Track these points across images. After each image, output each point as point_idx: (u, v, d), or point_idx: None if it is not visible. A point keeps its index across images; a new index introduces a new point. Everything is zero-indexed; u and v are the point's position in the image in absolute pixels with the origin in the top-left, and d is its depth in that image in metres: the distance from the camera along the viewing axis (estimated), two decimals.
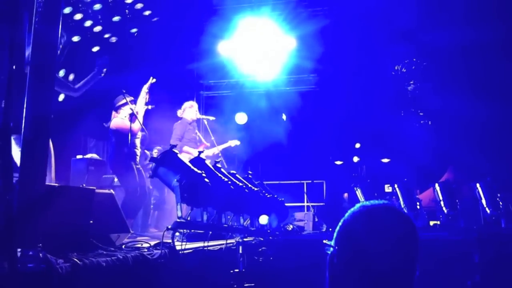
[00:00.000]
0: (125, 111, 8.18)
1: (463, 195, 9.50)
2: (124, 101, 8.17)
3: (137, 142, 8.32)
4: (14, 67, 3.04)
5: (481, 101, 11.82)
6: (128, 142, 7.93)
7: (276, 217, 7.39)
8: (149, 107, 8.48)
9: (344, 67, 13.61)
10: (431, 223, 9.95)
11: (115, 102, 8.35)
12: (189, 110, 9.21)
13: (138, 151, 8.32)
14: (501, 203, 8.57)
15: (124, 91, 8.20)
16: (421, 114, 14.47)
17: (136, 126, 8.20)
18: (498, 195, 8.66)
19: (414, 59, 14.39)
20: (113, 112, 8.34)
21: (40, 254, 3.16)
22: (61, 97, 9.19)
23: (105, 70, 7.00)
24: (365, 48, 13.22)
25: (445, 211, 9.08)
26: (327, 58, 13.11)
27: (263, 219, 6.02)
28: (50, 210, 3.53)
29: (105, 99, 9.56)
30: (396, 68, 14.64)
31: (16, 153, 3.23)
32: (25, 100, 3.23)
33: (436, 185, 9.41)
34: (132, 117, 8.09)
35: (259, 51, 13.25)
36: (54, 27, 3.61)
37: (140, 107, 8.25)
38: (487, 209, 8.64)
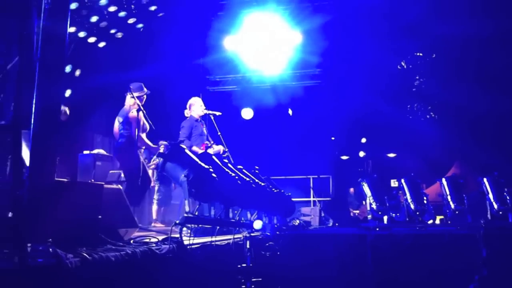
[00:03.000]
0: (134, 105, 8.17)
1: (470, 190, 9.47)
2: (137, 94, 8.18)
3: (143, 136, 8.34)
4: (23, 63, 3.05)
5: (488, 95, 11.78)
6: (135, 133, 7.93)
7: (269, 222, 7.42)
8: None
9: (350, 61, 13.56)
10: (438, 218, 9.93)
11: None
12: (195, 107, 9.19)
13: (142, 150, 8.37)
14: (508, 198, 8.54)
15: (131, 87, 8.20)
16: (428, 108, 14.43)
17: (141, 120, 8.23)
18: (505, 189, 8.63)
19: (421, 54, 14.33)
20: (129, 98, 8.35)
21: (50, 249, 3.17)
22: (68, 93, 9.24)
23: None
24: (371, 42, 13.15)
25: (452, 206, 9.06)
26: (332, 53, 13.09)
27: (257, 224, 5.99)
28: (60, 205, 3.55)
29: (111, 95, 9.59)
30: (402, 63, 14.59)
31: (25, 148, 3.25)
32: (34, 95, 3.24)
33: (443, 179, 9.38)
34: (139, 112, 8.09)
35: (265, 46, 13.25)
36: (62, 23, 3.63)
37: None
38: (494, 204, 8.60)
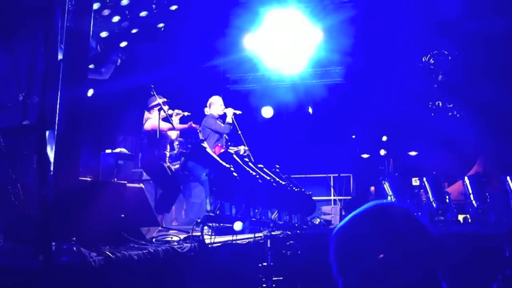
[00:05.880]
0: (156, 112, 8.22)
1: (493, 188, 9.36)
2: (156, 102, 8.23)
3: (169, 145, 8.48)
4: (48, 63, 3.09)
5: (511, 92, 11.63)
6: (157, 143, 8.02)
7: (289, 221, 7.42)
8: (185, 113, 8.68)
9: (372, 59, 13.44)
10: (460, 217, 9.83)
11: (148, 102, 8.42)
12: (214, 106, 9.22)
13: (167, 153, 8.43)
14: None
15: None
16: (449, 106, 14.28)
17: (168, 129, 8.34)
18: None
19: (445, 52, 14.18)
20: (146, 112, 8.42)
21: (74, 248, 3.21)
22: (90, 93, 9.32)
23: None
24: (393, 39, 13.05)
25: (475, 204, 8.97)
26: (354, 50, 12.98)
27: (237, 225, 5.94)
28: (83, 204, 3.58)
29: (133, 93, 9.66)
30: (423, 59, 14.46)
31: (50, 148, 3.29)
32: (59, 96, 3.28)
33: (466, 178, 9.29)
34: (166, 120, 8.19)
35: (285, 44, 13.17)
36: (85, 24, 3.67)
37: (176, 124, 8.49)
38: None
